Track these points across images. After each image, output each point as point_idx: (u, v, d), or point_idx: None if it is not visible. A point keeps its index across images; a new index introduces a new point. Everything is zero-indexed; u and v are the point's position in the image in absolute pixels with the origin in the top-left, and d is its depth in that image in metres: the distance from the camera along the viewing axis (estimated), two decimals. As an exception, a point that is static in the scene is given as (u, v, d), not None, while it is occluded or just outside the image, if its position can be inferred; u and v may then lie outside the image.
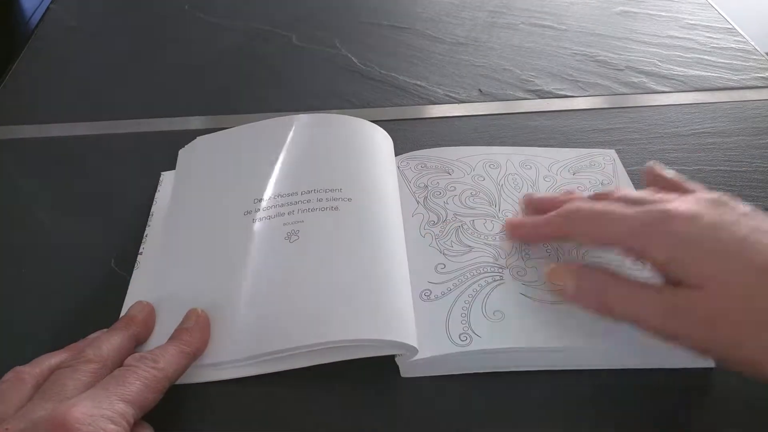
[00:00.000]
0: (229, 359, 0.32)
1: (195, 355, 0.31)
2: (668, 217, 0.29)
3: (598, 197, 0.35)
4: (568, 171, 0.43)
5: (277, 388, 0.32)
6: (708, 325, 0.27)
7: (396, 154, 0.44)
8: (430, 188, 0.42)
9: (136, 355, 0.29)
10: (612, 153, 0.45)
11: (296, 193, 0.37)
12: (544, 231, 0.36)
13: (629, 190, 0.35)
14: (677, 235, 0.29)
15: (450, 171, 0.43)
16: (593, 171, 0.43)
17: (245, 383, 0.32)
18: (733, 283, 0.27)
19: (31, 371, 0.29)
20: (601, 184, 0.42)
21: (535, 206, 0.39)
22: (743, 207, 0.30)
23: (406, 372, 0.33)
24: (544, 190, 0.42)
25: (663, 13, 0.65)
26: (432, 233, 0.38)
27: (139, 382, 0.28)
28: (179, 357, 0.30)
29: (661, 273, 0.30)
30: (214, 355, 0.32)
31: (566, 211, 0.33)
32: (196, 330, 0.32)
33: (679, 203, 0.30)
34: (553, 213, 0.34)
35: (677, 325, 0.28)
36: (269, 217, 0.36)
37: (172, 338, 0.31)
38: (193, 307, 0.33)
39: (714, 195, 0.31)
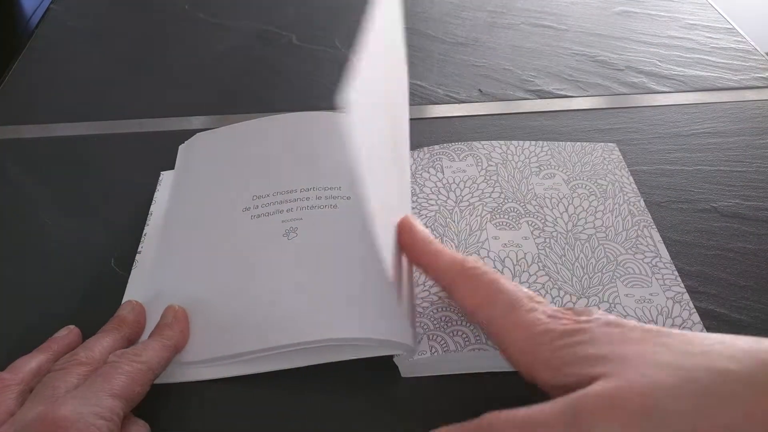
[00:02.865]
0: (224, 354, 0.32)
1: (177, 348, 0.32)
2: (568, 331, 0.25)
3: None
4: (569, 164, 0.43)
5: (277, 388, 0.32)
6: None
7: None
8: (427, 185, 0.42)
9: (118, 351, 0.30)
10: (613, 146, 0.45)
11: (295, 191, 0.37)
12: (433, 268, 0.31)
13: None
14: (580, 340, 0.24)
15: (462, 161, 0.43)
16: (594, 165, 0.43)
17: (245, 383, 0.32)
18: (641, 383, 0.22)
19: (13, 378, 0.29)
20: (601, 179, 0.42)
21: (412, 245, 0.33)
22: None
23: (406, 372, 0.33)
24: (543, 188, 0.41)
25: (663, 13, 0.65)
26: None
27: (124, 376, 0.28)
28: (161, 350, 0.31)
29: None
30: (208, 351, 0.32)
31: (459, 265, 0.29)
32: (175, 324, 0.32)
33: None
34: (454, 257, 0.30)
35: None
36: (268, 214, 0.36)
37: (153, 333, 0.32)
38: (170, 304, 0.34)
39: None
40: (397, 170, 0.40)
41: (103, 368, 0.28)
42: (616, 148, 0.45)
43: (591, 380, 0.23)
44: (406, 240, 0.32)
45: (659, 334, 0.24)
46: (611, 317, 0.26)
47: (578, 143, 0.45)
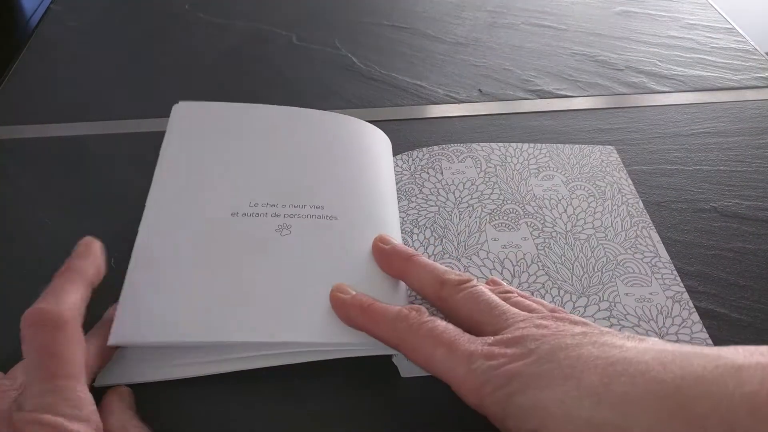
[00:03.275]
0: (212, 340, 0.31)
1: (93, 283, 0.31)
2: (507, 375, 0.26)
3: (446, 281, 0.32)
4: (568, 166, 0.43)
5: (277, 388, 0.32)
6: None
7: (394, 154, 0.44)
8: (421, 189, 0.42)
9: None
10: (611, 149, 0.45)
11: (285, 206, 0.37)
12: (373, 330, 0.31)
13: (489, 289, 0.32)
14: (515, 390, 0.26)
15: (451, 164, 0.43)
16: (592, 167, 0.43)
17: (242, 382, 0.32)
18: (575, 425, 0.24)
19: (12, 384, 0.29)
20: (600, 180, 0.42)
21: (385, 255, 0.35)
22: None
23: (405, 372, 0.33)
24: (542, 189, 0.42)
25: (663, 13, 0.65)
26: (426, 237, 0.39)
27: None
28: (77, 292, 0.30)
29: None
30: (197, 335, 0.31)
31: (406, 324, 0.29)
32: (88, 255, 0.31)
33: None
34: (391, 313, 0.30)
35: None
36: (256, 215, 0.36)
37: (64, 272, 0.31)
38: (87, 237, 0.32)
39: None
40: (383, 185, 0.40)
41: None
42: (614, 151, 0.45)
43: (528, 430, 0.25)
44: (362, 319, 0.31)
45: (582, 371, 0.25)
46: (545, 346, 0.26)
47: (576, 146, 0.45)
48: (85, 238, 0.33)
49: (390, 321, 0.30)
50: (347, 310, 0.31)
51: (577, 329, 0.27)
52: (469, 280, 0.31)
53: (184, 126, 0.41)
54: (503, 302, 0.30)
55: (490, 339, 0.28)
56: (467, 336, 0.28)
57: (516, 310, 0.30)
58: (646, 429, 0.22)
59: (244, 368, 0.31)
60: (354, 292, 0.32)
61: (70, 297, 0.29)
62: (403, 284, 0.35)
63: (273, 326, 0.31)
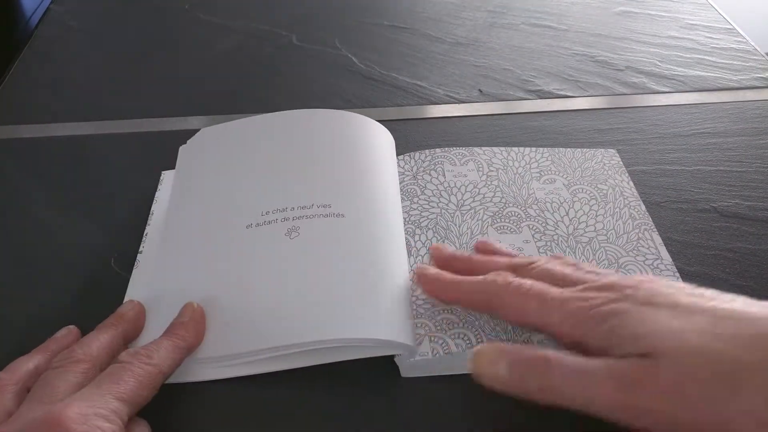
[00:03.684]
0: (225, 354, 0.32)
1: (189, 350, 0.31)
2: (611, 312, 0.27)
3: (516, 267, 0.33)
4: (570, 170, 0.43)
5: (277, 389, 0.32)
6: (674, 393, 0.24)
7: (395, 155, 0.44)
8: (423, 190, 0.42)
9: (130, 350, 0.29)
10: (613, 152, 0.45)
11: (293, 208, 0.37)
12: (463, 297, 0.33)
13: (557, 263, 0.32)
14: (621, 321, 0.26)
15: (453, 168, 0.43)
16: (594, 170, 0.43)
17: (244, 383, 0.32)
18: (690, 349, 0.24)
19: (10, 378, 0.29)
20: (602, 183, 0.42)
21: (444, 261, 0.36)
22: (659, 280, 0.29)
23: (406, 372, 0.33)
24: (544, 193, 0.42)
25: (663, 14, 0.65)
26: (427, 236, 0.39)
27: (133, 380, 0.28)
28: (173, 351, 0.30)
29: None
30: (211, 350, 0.32)
31: (494, 285, 0.31)
32: (191, 324, 0.32)
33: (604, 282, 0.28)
34: (477, 279, 0.32)
35: (637, 400, 0.24)
36: (267, 222, 0.36)
37: (167, 332, 0.31)
38: (190, 301, 0.33)
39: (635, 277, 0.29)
40: (386, 180, 0.40)
41: (111, 368, 0.28)
42: (616, 154, 0.45)
43: (638, 354, 0.25)
44: (432, 287, 0.34)
45: (687, 312, 0.26)
46: (641, 291, 0.27)
47: (578, 149, 0.45)
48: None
49: (479, 286, 0.31)
50: (435, 284, 0.34)
51: (666, 285, 0.28)
52: (537, 260, 0.33)
53: (189, 160, 0.43)
54: (578, 270, 0.31)
55: (581, 287, 0.29)
56: (556, 288, 0.29)
57: (593, 275, 0.30)
58: (761, 364, 0.23)
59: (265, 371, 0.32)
60: (435, 270, 0.34)
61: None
62: (406, 278, 0.35)
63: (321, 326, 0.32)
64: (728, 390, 0.23)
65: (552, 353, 0.27)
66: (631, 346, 0.25)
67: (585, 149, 0.45)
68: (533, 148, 0.45)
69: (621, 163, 0.44)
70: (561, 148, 0.45)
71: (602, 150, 0.45)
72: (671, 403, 0.24)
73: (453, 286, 0.33)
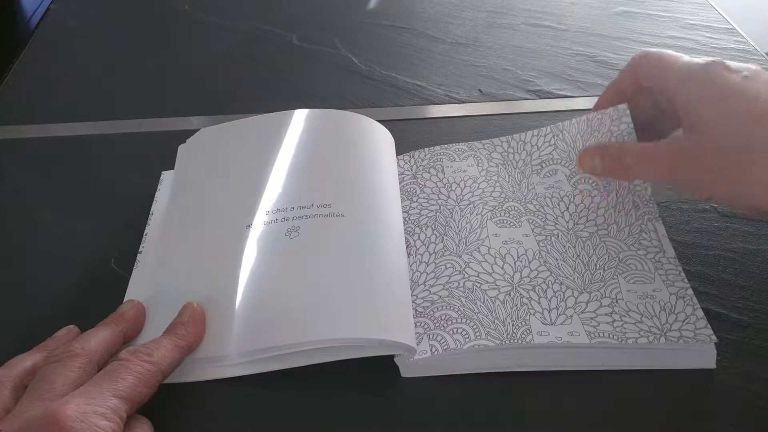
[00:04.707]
0: (225, 354, 0.32)
1: (189, 349, 0.31)
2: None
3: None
4: (573, 154, 0.41)
5: (277, 389, 0.32)
6: (713, 165, 0.31)
7: (396, 155, 0.44)
8: (424, 188, 0.42)
9: (130, 348, 0.29)
10: (624, 108, 0.40)
11: (293, 208, 0.37)
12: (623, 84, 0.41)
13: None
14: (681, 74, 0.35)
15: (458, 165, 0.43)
16: (609, 126, 0.40)
17: (244, 383, 0.32)
18: (731, 127, 0.31)
19: (8, 374, 0.29)
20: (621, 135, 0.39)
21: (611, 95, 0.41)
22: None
23: (406, 372, 0.33)
24: (544, 187, 0.41)
25: (663, 13, 0.65)
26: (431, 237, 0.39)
27: (132, 377, 0.28)
28: (173, 351, 0.30)
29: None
30: (211, 350, 0.32)
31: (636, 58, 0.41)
32: (191, 324, 0.32)
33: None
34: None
35: (684, 169, 0.33)
36: (267, 222, 0.36)
37: (167, 332, 0.31)
38: (189, 301, 0.33)
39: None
40: (385, 179, 0.40)
41: (111, 366, 0.28)
42: (627, 112, 0.40)
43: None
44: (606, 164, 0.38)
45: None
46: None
47: (583, 118, 0.42)
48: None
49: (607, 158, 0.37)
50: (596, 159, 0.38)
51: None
52: None
53: (188, 160, 0.42)
54: None
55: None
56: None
57: None
58: None
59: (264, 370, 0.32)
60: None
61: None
62: (406, 278, 0.35)
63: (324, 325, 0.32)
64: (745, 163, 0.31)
65: (626, 142, 0.38)
66: (685, 115, 0.33)
67: (591, 115, 0.41)
68: (534, 133, 0.44)
69: (631, 126, 0.39)
70: (565, 122, 0.43)
71: (611, 110, 0.40)
72: (711, 176, 0.32)
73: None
